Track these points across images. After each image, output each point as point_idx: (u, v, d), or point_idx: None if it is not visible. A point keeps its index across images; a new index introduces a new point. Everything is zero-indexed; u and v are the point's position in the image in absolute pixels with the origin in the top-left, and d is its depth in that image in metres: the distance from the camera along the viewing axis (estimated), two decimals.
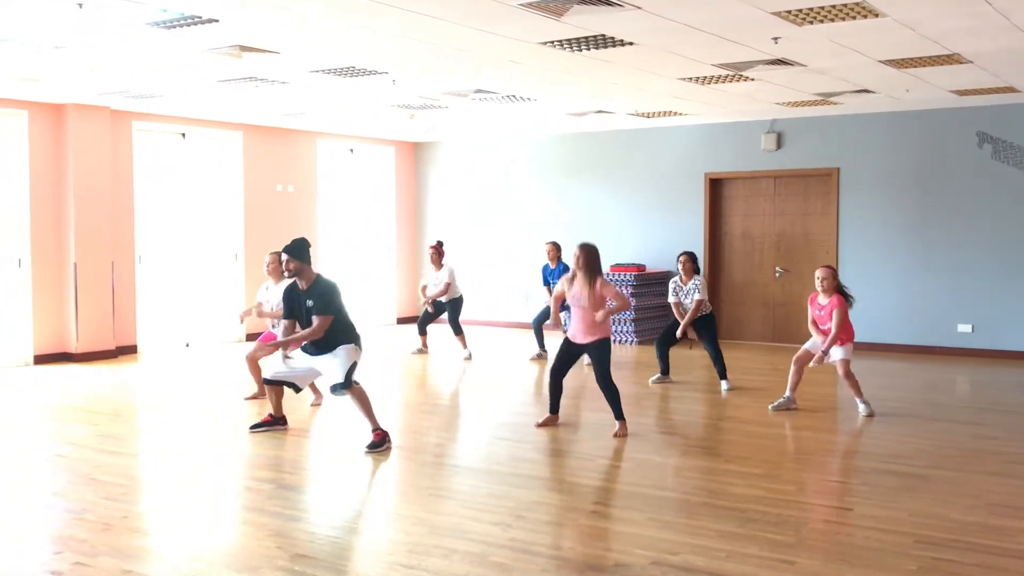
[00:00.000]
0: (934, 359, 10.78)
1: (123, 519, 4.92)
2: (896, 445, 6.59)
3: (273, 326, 8.01)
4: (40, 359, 10.51)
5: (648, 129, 12.81)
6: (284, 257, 6.54)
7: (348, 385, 6.39)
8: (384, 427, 6.51)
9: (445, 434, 7.35)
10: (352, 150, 14.24)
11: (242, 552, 4.44)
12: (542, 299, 11.25)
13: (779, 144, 11.99)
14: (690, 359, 10.07)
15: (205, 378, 9.77)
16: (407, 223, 15.04)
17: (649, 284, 12.40)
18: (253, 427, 6.97)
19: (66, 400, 8.38)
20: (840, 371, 7.51)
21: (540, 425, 7.16)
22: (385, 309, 14.77)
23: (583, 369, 9.21)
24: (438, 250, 11.23)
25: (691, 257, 8.92)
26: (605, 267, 12.62)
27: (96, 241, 10.77)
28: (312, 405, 7.93)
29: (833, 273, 7.59)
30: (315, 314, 6.43)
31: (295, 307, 6.60)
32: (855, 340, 7.65)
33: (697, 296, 8.74)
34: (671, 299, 8.96)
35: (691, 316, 8.73)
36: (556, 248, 10.86)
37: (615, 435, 6.82)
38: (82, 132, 10.62)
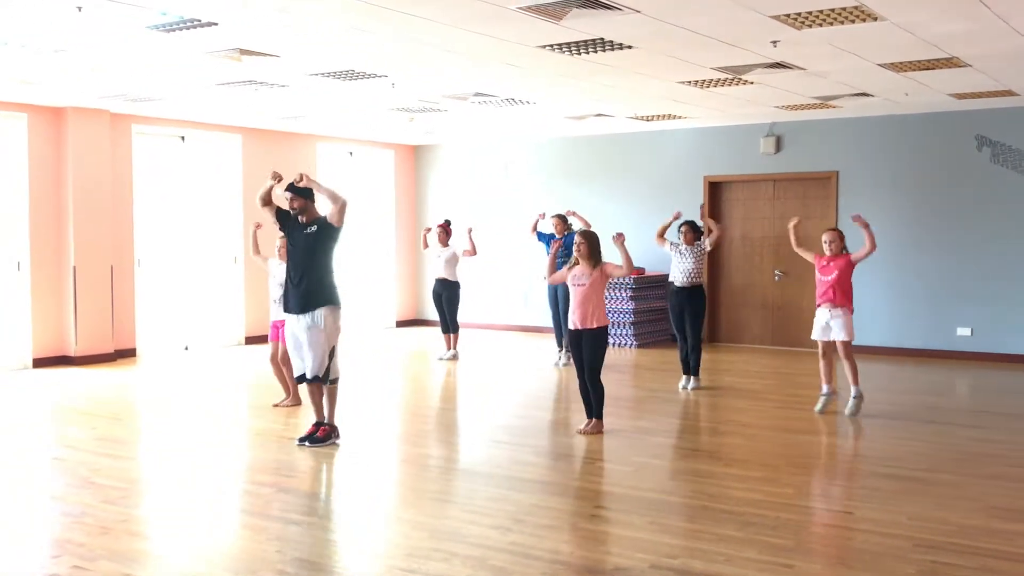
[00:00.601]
0: (933, 362, 10.77)
1: (122, 522, 4.91)
2: (895, 448, 6.59)
3: (276, 301, 7.87)
4: (39, 362, 10.50)
5: (647, 132, 12.82)
6: (288, 195, 6.62)
7: (324, 382, 6.50)
8: (335, 424, 6.67)
9: (444, 437, 7.35)
10: (351, 153, 14.24)
11: (242, 555, 4.44)
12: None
13: (778, 147, 11.99)
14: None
15: (204, 381, 9.76)
16: (406, 226, 15.03)
17: (648, 287, 12.40)
18: (302, 440, 6.63)
19: (65, 403, 8.38)
20: (841, 352, 7.55)
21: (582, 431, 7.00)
22: (384, 313, 14.76)
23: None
24: (446, 229, 11.24)
25: (692, 227, 8.97)
26: None
27: (95, 244, 10.77)
28: (274, 405, 7.93)
29: (841, 236, 7.65)
30: (327, 237, 6.54)
31: (289, 232, 6.71)
32: (855, 343, 7.65)
33: (707, 247, 8.93)
34: (666, 237, 9.03)
35: (715, 233, 9.02)
36: (563, 221, 10.69)
37: (582, 431, 6.86)
38: (81, 135, 10.62)
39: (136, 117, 11.22)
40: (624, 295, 12.10)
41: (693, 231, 8.92)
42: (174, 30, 6.60)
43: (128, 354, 11.24)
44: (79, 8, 5.91)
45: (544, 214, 10.92)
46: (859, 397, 7.55)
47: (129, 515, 5.08)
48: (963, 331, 10.96)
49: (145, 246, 11.59)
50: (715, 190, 12.56)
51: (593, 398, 6.90)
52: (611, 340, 12.22)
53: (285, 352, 7.93)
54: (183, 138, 11.91)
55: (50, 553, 4.50)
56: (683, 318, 8.93)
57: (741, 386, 9.07)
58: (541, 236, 10.76)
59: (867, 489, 5.59)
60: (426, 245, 11.49)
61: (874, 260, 11.26)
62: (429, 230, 11.45)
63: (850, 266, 7.54)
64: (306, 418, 7.62)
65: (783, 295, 12.21)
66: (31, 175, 10.43)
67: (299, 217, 6.65)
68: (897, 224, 11.29)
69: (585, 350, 6.86)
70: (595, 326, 6.82)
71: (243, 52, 7.36)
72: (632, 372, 10.19)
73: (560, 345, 10.67)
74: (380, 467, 6.27)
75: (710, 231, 8.99)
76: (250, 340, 12.46)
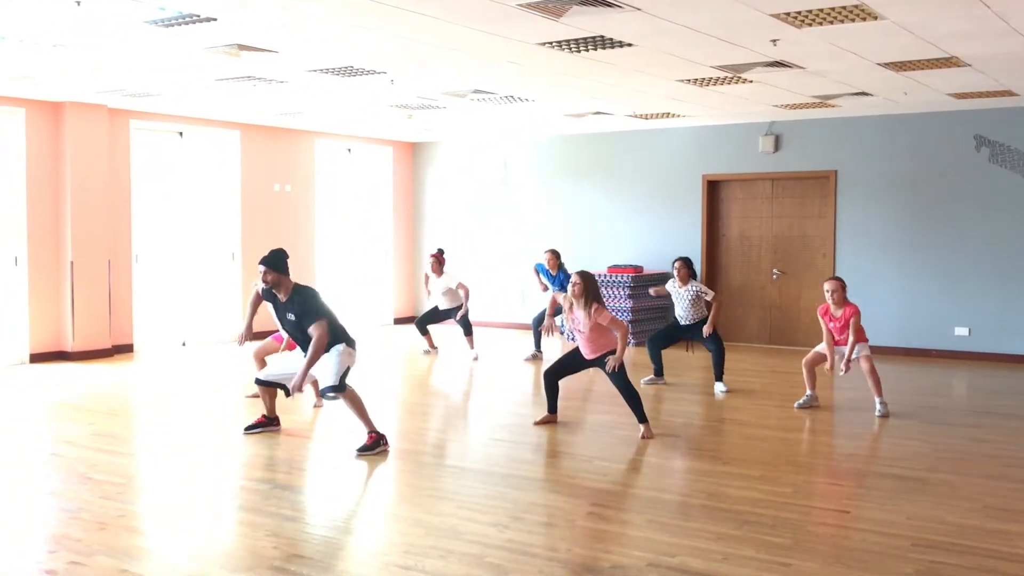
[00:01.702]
0: (931, 362, 10.78)
1: (119, 518, 4.91)
2: (893, 448, 6.59)
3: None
4: (36, 358, 10.48)
5: (646, 131, 12.81)
6: (261, 269, 6.38)
7: (341, 388, 6.35)
8: (380, 430, 6.47)
9: (442, 435, 7.34)
10: (350, 150, 14.22)
11: (238, 552, 4.43)
12: (542, 302, 11.26)
13: (777, 146, 11.99)
14: (684, 360, 10.06)
15: (201, 377, 9.75)
16: (404, 223, 15.03)
17: (647, 285, 12.35)
18: (247, 428, 6.94)
19: (62, 399, 8.36)
20: (865, 367, 7.66)
21: (538, 423, 7.20)
22: (382, 309, 14.76)
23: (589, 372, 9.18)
24: (438, 258, 11.14)
25: (685, 263, 8.85)
26: (603, 267, 12.69)
27: (93, 240, 10.75)
28: (314, 407, 7.91)
29: (842, 285, 7.74)
30: (309, 324, 6.33)
31: (275, 309, 6.56)
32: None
33: (707, 298, 8.76)
34: (666, 289, 8.99)
35: (713, 317, 8.71)
36: (556, 256, 10.84)
37: (643, 437, 6.81)
38: (79, 130, 10.60)
39: (134, 112, 11.20)
40: (622, 293, 12.11)
41: (687, 267, 8.81)
42: (172, 25, 6.58)
43: (125, 350, 11.23)
44: (78, 3, 5.90)
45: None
46: (885, 404, 7.68)
47: (126, 511, 5.07)
48: (961, 331, 10.97)
49: (143, 242, 11.58)
50: (713, 189, 12.56)
51: (635, 407, 6.87)
52: None
53: (266, 349, 8.09)
54: (181, 134, 11.89)
55: (47, 548, 4.49)
56: (672, 340, 8.99)
57: (739, 385, 9.06)
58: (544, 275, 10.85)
59: (865, 488, 5.59)
60: (428, 284, 11.39)
61: (872, 260, 11.32)
62: (428, 278, 11.33)
63: (859, 320, 7.61)
64: (312, 417, 7.62)
65: (781, 294, 12.21)
66: (29, 170, 10.41)
67: (276, 293, 6.45)
68: (895, 223, 11.30)
69: (612, 377, 6.87)
70: (606, 352, 6.88)
71: (242, 48, 7.35)
72: (630, 370, 10.14)
73: (538, 347, 10.90)
74: (377, 464, 6.25)
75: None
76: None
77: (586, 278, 6.87)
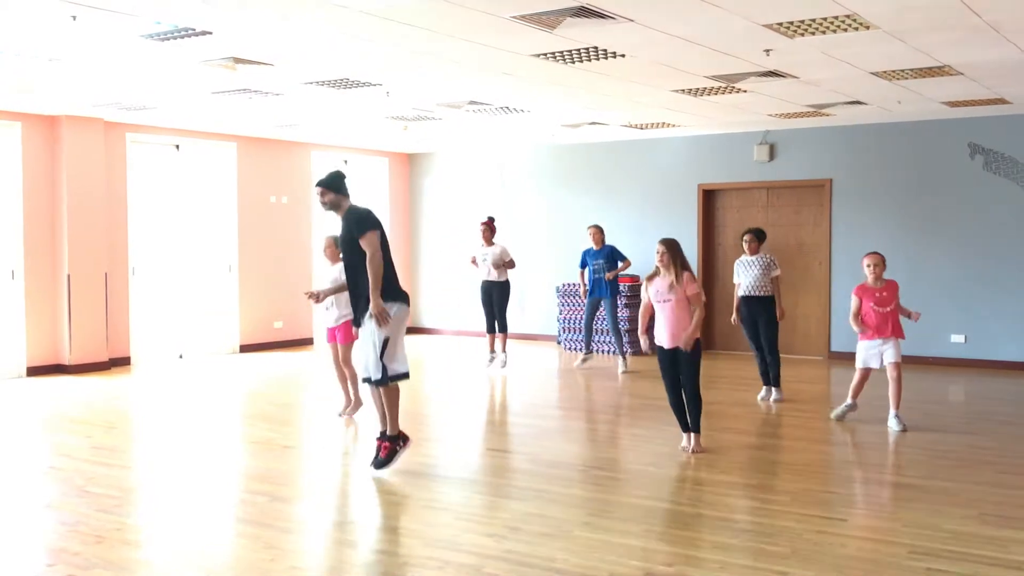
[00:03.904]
0: (927, 369, 10.79)
1: (116, 531, 4.91)
2: (890, 455, 6.60)
3: (327, 307, 7.91)
4: (33, 371, 10.48)
5: (641, 140, 12.85)
6: (319, 190, 6.13)
7: (384, 382, 5.90)
8: (398, 432, 6.09)
9: (439, 445, 7.34)
10: (346, 161, 14.24)
11: (236, 564, 4.43)
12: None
13: (772, 155, 12.03)
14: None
15: (199, 390, 9.74)
16: (402, 234, 15.04)
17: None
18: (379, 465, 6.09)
19: (59, 412, 8.35)
20: (893, 374, 7.32)
21: (687, 448, 6.66)
22: None
23: (581, 377, 9.16)
24: (490, 226, 10.85)
25: (756, 233, 8.70)
26: None
27: (90, 252, 10.76)
28: (339, 414, 7.96)
29: (883, 259, 7.49)
30: (359, 233, 5.87)
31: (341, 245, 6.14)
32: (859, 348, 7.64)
33: (776, 272, 8.57)
34: (735, 280, 8.70)
35: (781, 298, 8.59)
36: (600, 231, 10.71)
37: (693, 451, 6.53)
38: (76, 144, 10.62)
39: (130, 125, 11.22)
40: (620, 302, 12.11)
41: (757, 240, 8.68)
42: (168, 39, 6.61)
43: (122, 362, 11.23)
44: (73, 17, 5.92)
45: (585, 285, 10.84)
46: (900, 418, 7.35)
47: (124, 524, 5.07)
48: (957, 338, 10.99)
49: (140, 254, 11.58)
50: (709, 197, 12.59)
51: (693, 412, 6.56)
52: (607, 348, 12.26)
53: (341, 353, 7.93)
54: (178, 146, 11.91)
55: (45, 562, 4.49)
56: (756, 327, 8.66)
57: (736, 394, 9.07)
58: (583, 262, 10.87)
59: (862, 496, 5.60)
60: (475, 263, 11.02)
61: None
62: (474, 259, 10.99)
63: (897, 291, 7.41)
64: (297, 425, 7.62)
65: None
66: (25, 183, 10.43)
67: (336, 214, 6.11)
68: (890, 231, 11.33)
69: (684, 368, 6.52)
70: (692, 345, 6.52)
71: (237, 61, 7.38)
72: (628, 379, 10.18)
73: (588, 348, 10.91)
74: (375, 475, 6.25)
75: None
76: (244, 348, 12.45)
77: (671, 245, 6.61)
